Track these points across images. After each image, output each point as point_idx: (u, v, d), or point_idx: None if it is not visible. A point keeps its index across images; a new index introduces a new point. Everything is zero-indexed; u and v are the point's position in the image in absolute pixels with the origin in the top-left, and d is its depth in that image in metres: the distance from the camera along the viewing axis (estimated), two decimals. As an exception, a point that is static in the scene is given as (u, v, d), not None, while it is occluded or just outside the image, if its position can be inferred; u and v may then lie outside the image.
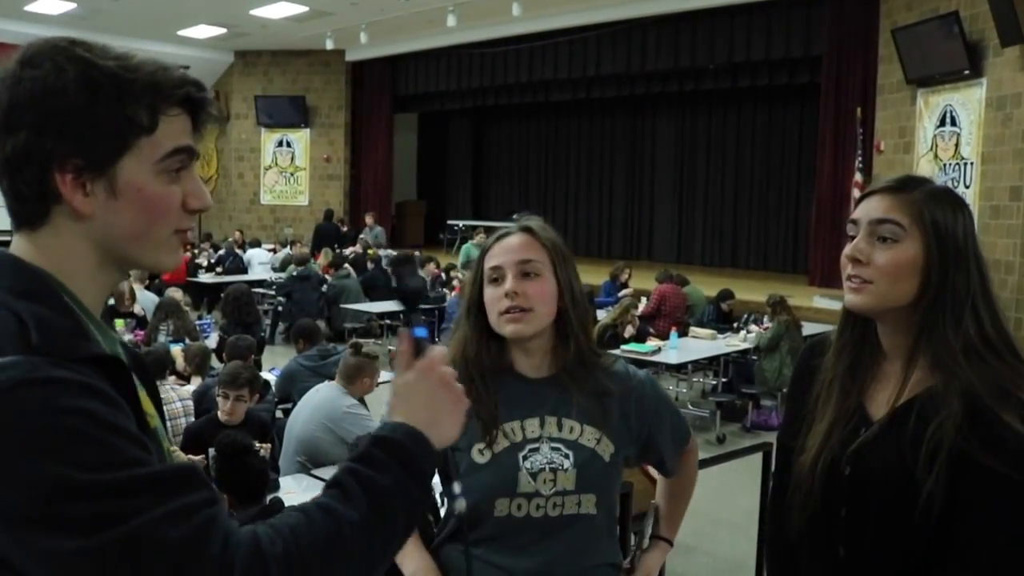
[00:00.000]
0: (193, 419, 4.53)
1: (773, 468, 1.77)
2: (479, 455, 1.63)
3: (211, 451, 3.54)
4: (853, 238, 1.44)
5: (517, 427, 1.64)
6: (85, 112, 0.94)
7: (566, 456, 1.63)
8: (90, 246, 0.99)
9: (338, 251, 13.15)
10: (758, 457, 3.98)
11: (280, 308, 11.02)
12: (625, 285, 10.55)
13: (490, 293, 1.65)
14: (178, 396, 4.71)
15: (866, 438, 1.44)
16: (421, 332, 1.09)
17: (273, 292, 11.43)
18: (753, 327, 8.17)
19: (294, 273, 10.71)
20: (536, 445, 1.64)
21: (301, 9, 13.75)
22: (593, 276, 11.96)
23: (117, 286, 1.08)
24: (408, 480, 0.98)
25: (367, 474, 0.96)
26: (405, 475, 0.98)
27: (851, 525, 1.45)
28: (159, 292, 8.74)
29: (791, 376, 1.76)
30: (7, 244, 1.02)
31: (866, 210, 1.44)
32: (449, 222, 17.73)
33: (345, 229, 15.73)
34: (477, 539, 1.62)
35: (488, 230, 17.70)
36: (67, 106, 0.94)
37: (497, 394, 1.65)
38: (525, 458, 1.63)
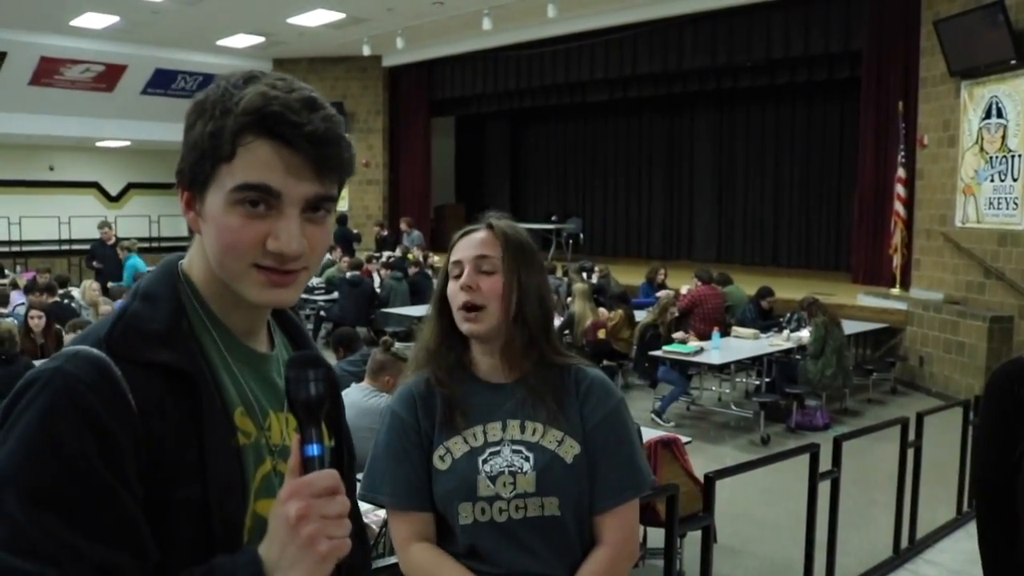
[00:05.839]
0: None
1: (975, 505, 1.64)
2: (440, 462, 1.63)
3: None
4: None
5: (479, 431, 1.64)
6: (192, 136, 0.97)
7: (526, 459, 1.61)
8: (206, 259, 1.02)
9: (379, 255, 13.25)
10: (804, 459, 3.93)
11: (323, 312, 11.13)
12: (663, 285, 10.51)
13: (451, 287, 1.66)
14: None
15: None
16: (313, 450, 0.91)
17: (315, 298, 11.55)
18: (801, 332, 8.06)
19: (347, 276, 10.82)
20: (497, 448, 1.62)
21: (338, 16, 13.87)
22: (633, 277, 11.93)
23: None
24: None
25: None
26: None
27: None
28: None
29: (985, 407, 1.66)
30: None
31: None
32: (488, 225, 17.70)
33: (385, 234, 15.84)
34: (452, 552, 1.62)
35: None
36: (186, 129, 0.99)
37: (460, 400, 1.65)
38: (485, 462, 1.62)
